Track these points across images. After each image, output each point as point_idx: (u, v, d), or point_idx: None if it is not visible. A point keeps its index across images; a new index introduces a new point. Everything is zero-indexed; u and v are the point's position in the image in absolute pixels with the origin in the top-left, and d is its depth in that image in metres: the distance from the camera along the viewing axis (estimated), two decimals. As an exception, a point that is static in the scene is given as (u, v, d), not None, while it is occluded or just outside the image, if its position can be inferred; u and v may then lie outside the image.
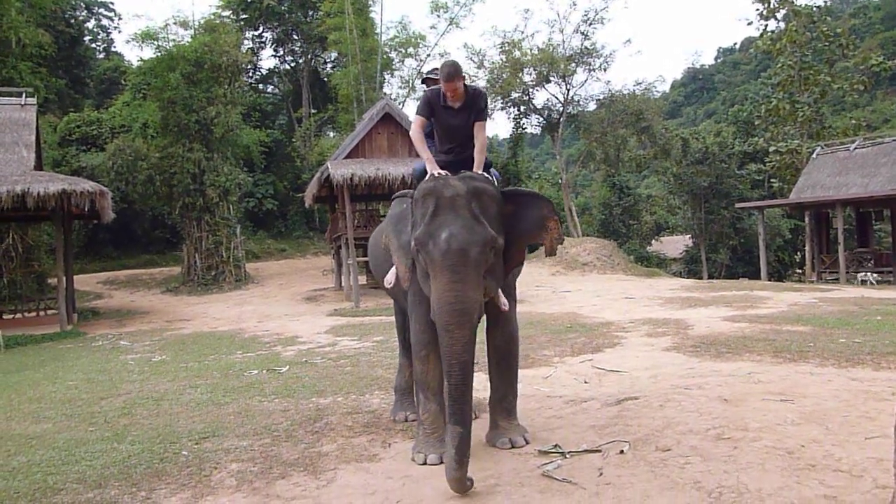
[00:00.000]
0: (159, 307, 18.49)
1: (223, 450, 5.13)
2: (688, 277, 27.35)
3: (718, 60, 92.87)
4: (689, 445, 4.37)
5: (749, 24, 31.57)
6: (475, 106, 4.66)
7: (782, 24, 30.15)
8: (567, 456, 4.41)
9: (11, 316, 16.87)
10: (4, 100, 17.61)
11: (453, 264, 3.96)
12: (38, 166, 17.14)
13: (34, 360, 11.19)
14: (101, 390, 7.97)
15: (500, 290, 4.44)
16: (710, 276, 28.73)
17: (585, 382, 6.79)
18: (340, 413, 6.03)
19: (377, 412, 6.06)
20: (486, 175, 4.59)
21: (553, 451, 4.52)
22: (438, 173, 4.35)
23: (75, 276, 18.96)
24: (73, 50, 34.70)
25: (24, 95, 17.72)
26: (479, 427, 5.33)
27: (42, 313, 17.06)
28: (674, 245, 36.28)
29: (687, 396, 5.54)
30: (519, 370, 5.03)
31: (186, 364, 9.44)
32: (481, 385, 6.76)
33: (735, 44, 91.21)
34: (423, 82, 5.28)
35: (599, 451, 4.44)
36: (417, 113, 4.87)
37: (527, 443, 4.68)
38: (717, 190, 30.15)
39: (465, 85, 4.65)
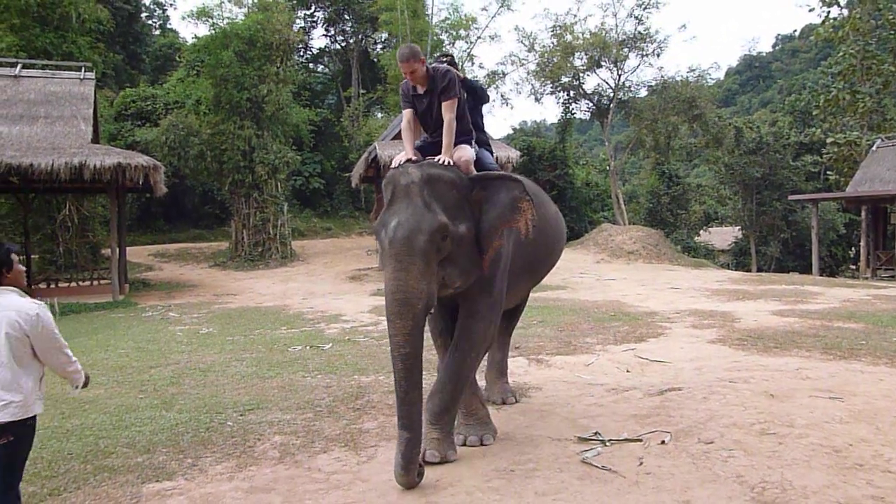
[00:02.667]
0: (207, 281, 18.88)
1: (267, 422, 5.24)
2: (736, 270, 26.81)
3: (776, 48, 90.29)
4: (732, 439, 4.32)
5: (810, 10, 30.50)
6: (437, 86, 4.41)
7: (845, 12, 29.07)
8: (607, 444, 4.39)
9: (66, 284, 17.40)
10: (64, 74, 18.08)
11: (398, 253, 3.84)
12: (95, 140, 17.57)
13: (87, 327, 11.54)
14: (151, 359, 8.19)
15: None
16: (759, 269, 28.10)
17: (627, 371, 6.73)
18: (381, 391, 6.09)
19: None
20: (464, 154, 4.39)
21: (593, 438, 4.51)
22: (406, 160, 4.25)
23: (127, 248, 19.44)
24: (130, 26, 35.35)
25: (82, 70, 18.14)
26: (517, 411, 5.34)
27: (95, 283, 17.56)
28: (722, 236, 35.56)
29: (732, 390, 5.47)
30: (463, 381, 4.34)
31: (233, 337, 9.64)
32: (520, 369, 6.79)
33: (794, 31, 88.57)
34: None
35: (640, 440, 4.42)
36: (402, 107, 4.73)
37: (436, 459, 4.15)
38: (769, 181, 29.41)
39: (428, 68, 4.45)
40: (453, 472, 4.05)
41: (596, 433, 4.58)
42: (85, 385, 3.60)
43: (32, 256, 19.18)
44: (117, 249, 16.10)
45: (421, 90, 4.51)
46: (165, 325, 11.25)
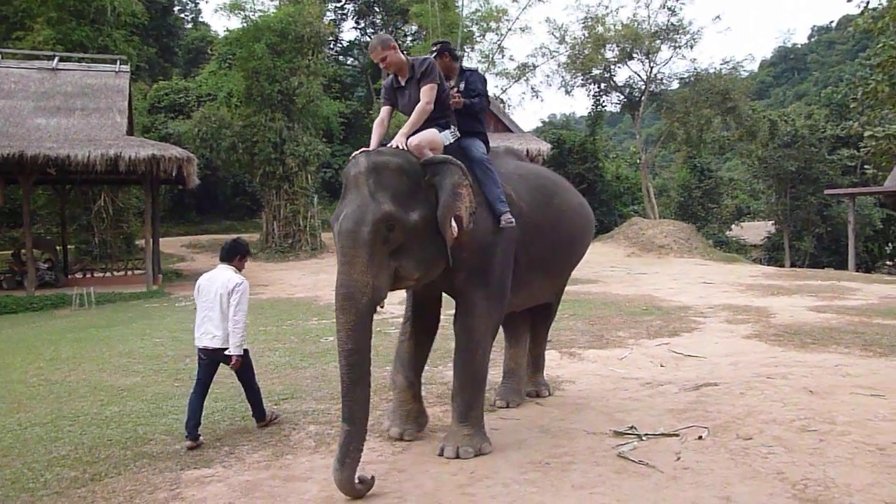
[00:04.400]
0: (238, 272, 19.03)
1: (301, 412, 5.29)
2: (769, 265, 26.40)
3: (812, 39, 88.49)
4: (771, 435, 4.26)
5: (848, 0, 29.82)
6: (416, 75, 4.26)
7: (885, 1, 28.38)
8: (643, 438, 4.35)
9: (102, 274, 17.71)
10: (100, 67, 18.36)
11: (343, 246, 3.76)
12: (130, 132, 17.82)
13: (123, 316, 11.73)
14: (185, 348, 8.28)
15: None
16: (793, 265, 27.64)
17: (662, 366, 6.66)
18: (414, 383, 6.09)
19: (450, 384, 6.09)
20: (423, 136, 4.16)
21: (629, 432, 4.47)
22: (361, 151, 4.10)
23: (161, 239, 19.70)
24: (163, 19, 35.75)
25: (118, 63, 18.41)
26: (552, 404, 5.31)
27: (130, 273, 17.85)
28: (755, 231, 35.00)
29: (770, 385, 5.39)
30: (480, 377, 4.32)
31: (265, 328, 9.72)
32: (553, 362, 6.75)
33: (831, 22, 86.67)
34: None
35: (677, 435, 4.37)
36: (382, 103, 4.63)
37: (470, 455, 4.11)
38: (804, 175, 28.86)
39: (406, 57, 4.36)
40: (489, 464, 4.04)
41: (632, 427, 4.54)
42: (234, 366, 4.78)
43: (69, 247, 19.54)
44: (151, 240, 16.32)
45: (402, 81, 4.39)
46: (199, 315, 11.37)
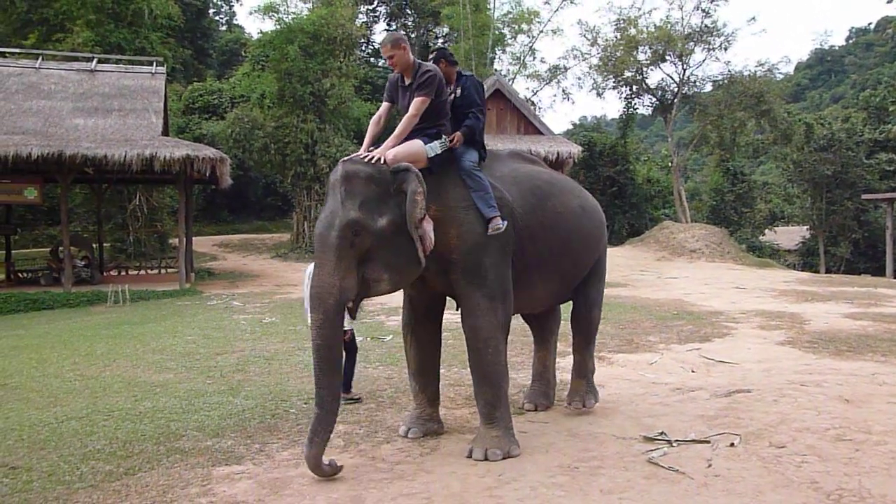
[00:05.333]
0: (269, 271, 19.25)
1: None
2: (803, 270, 25.96)
3: (850, 41, 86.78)
4: (805, 444, 4.19)
5: (888, 2, 29.24)
6: (415, 82, 4.35)
7: (927, 3, 27.77)
8: (674, 444, 4.31)
9: (136, 272, 18.03)
10: (137, 68, 18.68)
11: (316, 249, 4.07)
12: (165, 132, 18.10)
13: (156, 314, 11.92)
14: (217, 346, 8.40)
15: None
16: (828, 271, 27.13)
17: (692, 371, 6.59)
18: (443, 384, 6.07)
19: (479, 386, 6.10)
20: (413, 145, 4.28)
21: (659, 437, 4.43)
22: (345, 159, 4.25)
23: (193, 238, 20.00)
24: (198, 22, 36.31)
25: (154, 64, 18.72)
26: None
27: (163, 271, 18.16)
28: (788, 236, 34.42)
29: (803, 393, 5.30)
30: (496, 376, 4.34)
31: (295, 327, 9.80)
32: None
33: (870, 23, 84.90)
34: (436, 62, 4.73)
35: (708, 441, 4.32)
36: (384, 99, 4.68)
37: (498, 457, 4.16)
38: (841, 179, 28.33)
39: (416, 61, 4.43)
40: (516, 467, 4.03)
41: (662, 433, 4.50)
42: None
43: (104, 245, 19.91)
44: (184, 239, 16.54)
45: (408, 80, 4.46)
46: (230, 314, 11.52)
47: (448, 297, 4.76)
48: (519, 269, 4.57)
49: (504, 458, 4.14)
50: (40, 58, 17.83)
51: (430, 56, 4.77)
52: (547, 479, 3.83)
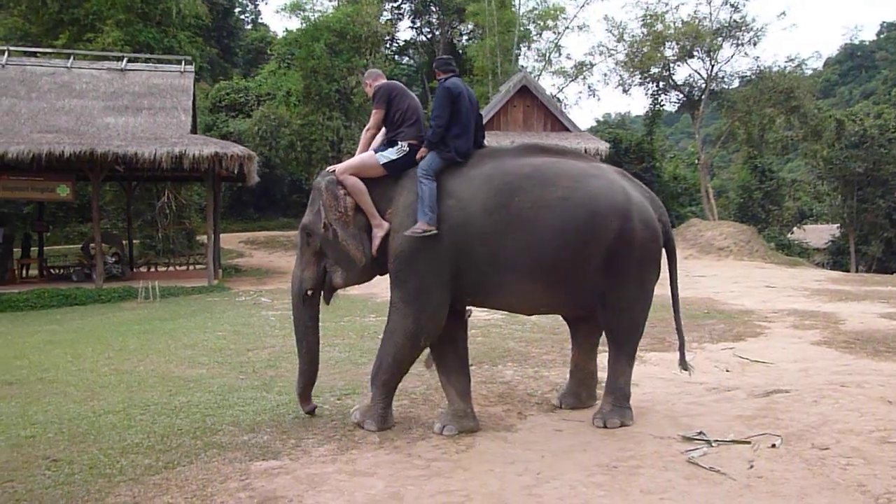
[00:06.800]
0: (295, 268, 19.32)
1: (363, 402, 5.31)
2: (832, 269, 25.54)
3: (881, 36, 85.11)
4: (849, 446, 4.11)
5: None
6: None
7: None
8: (713, 444, 4.25)
9: (165, 269, 18.23)
10: (166, 67, 18.88)
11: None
12: (194, 130, 18.24)
13: (186, 309, 12.04)
14: (248, 342, 8.46)
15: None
16: (859, 270, 26.69)
17: (727, 371, 6.50)
18: (475, 382, 6.06)
19: (511, 383, 6.09)
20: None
21: (698, 437, 4.38)
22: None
23: (220, 235, 20.17)
24: (224, 20, 36.59)
25: (182, 63, 18.89)
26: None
27: (191, 267, 18.34)
28: (817, 234, 33.87)
29: (844, 394, 5.20)
30: (386, 365, 4.79)
31: (323, 324, 9.71)
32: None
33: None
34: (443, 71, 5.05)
35: (749, 442, 4.26)
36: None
37: (356, 419, 4.86)
38: (873, 177, 27.79)
39: (377, 85, 4.98)
40: (555, 466, 4.00)
41: (700, 433, 4.44)
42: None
43: (134, 241, 20.15)
44: (213, 236, 16.69)
45: None
46: (258, 310, 11.59)
47: (467, 293, 4.83)
48: (486, 269, 4.58)
49: (357, 424, 4.77)
50: (72, 57, 18.07)
51: (443, 60, 5.08)
52: (586, 478, 3.80)
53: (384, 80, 5.04)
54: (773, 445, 4.17)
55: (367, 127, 4.98)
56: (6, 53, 17.41)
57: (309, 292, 4.93)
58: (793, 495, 3.48)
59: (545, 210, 4.52)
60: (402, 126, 4.79)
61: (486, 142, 5.22)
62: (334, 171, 4.81)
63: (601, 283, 4.69)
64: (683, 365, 5.22)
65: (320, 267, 4.85)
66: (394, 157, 4.74)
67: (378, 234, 4.66)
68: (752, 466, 3.88)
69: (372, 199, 4.71)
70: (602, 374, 5.40)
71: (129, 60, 18.44)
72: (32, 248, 18.03)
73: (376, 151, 4.82)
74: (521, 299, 4.88)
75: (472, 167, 4.73)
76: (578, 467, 3.97)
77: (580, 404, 5.24)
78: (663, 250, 4.96)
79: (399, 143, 4.75)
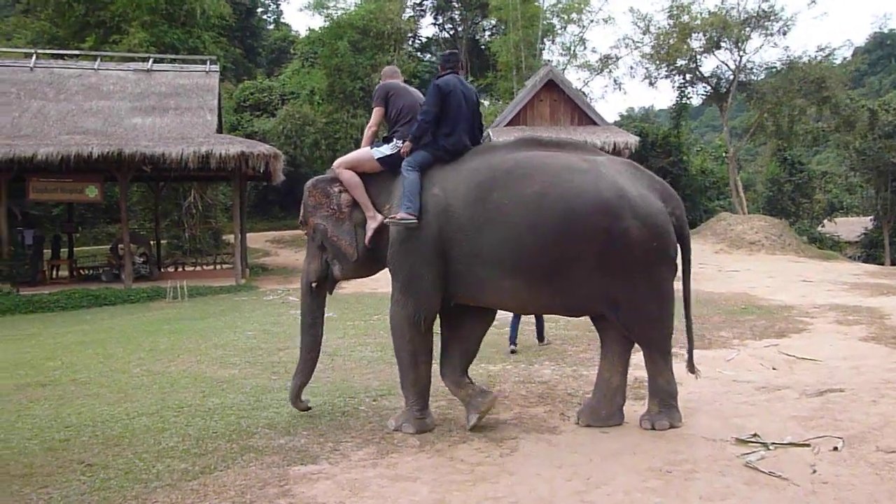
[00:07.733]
0: (321, 267, 19.27)
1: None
2: (866, 263, 24.97)
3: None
4: (917, 448, 3.89)
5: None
6: None
7: None
8: (770, 447, 4.06)
9: (192, 268, 18.26)
10: (191, 67, 18.90)
11: None
12: (219, 130, 18.23)
13: (214, 309, 12.00)
14: (278, 341, 8.37)
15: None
16: (893, 263, 26.07)
17: (774, 369, 6.28)
18: (512, 381, 5.94)
19: (550, 383, 5.92)
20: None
21: (753, 440, 4.18)
22: None
23: (247, 234, 20.17)
24: (247, 20, 36.68)
25: (208, 63, 18.91)
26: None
27: (218, 267, 18.35)
28: (848, 227, 33.15)
29: (904, 393, 4.96)
30: (399, 357, 4.85)
31: (353, 322, 9.74)
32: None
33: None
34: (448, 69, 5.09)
35: (808, 445, 4.06)
36: None
37: (392, 427, 4.72)
38: (908, 168, 27.18)
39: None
40: (604, 470, 3.84)
41: (755, 435, 4.25)
42: None
43: (161, 241, 20.23)
44: (240, 235, 16.66)
45: None
46: (287, 309, 11.52)
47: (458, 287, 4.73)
48: (469, 262, 4.51)
49: (395, 430, 4.64)
50: (98, 59, 18.16)
51: (447, 54, 5.25)
52: (639, 483, 3.63)
53: (389, 80, 5.25)
54: (835, 448, 3.96)
55: (368, 125, 5.16)
56: (34, 56, 17.53)
57: (314, 284, 5.10)
58: (861, 501, 3.29)
59: (521, 206, 4.40)
60: (398, 124, 4.96)
61: (513, 136, 5.22)
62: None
63: (602, 284, 4.45)
64: (691, 367, 5.06)
65: (323, 260, 5.03)
66: (388, 152, 4.88)
67: (371, 225, 4.79)
68: (814, 471, 3.68)
69: (371, 193, 4.86)
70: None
71: (155, 61, 18.50)
72: (62, 250, 18.16)
73: (373, 147, 4.99)
74: (507, 296, 4.65)
75: (464, 161, 4.77)
76: (630, 471, 3.80)
77: (598, 423, 4.66)
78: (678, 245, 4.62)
79: (395, 140, 4.91)
